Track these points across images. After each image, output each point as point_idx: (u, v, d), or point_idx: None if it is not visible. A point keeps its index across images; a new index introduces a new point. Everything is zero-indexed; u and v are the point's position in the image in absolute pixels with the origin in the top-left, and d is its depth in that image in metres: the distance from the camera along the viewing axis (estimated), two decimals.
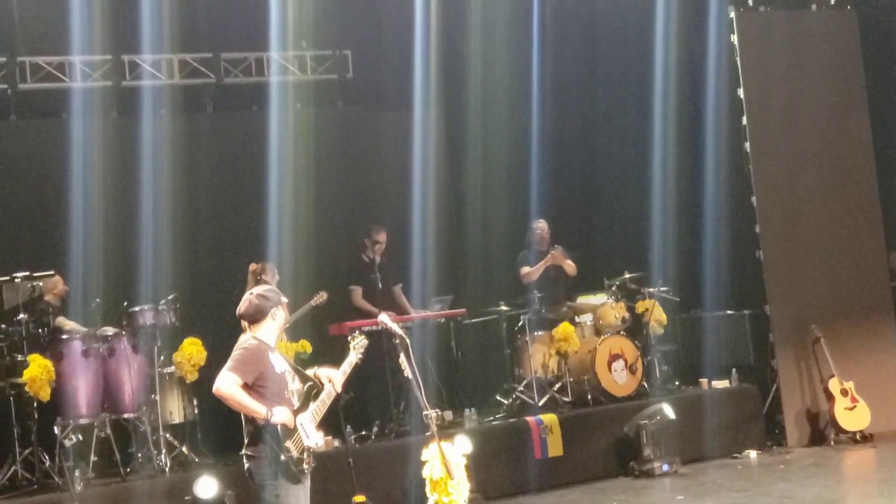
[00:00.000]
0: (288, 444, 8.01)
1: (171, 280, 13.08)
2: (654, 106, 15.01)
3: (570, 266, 14.37)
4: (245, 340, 8.24)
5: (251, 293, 8.37)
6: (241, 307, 8.32)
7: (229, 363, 8.12)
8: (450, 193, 15.53)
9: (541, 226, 14.54)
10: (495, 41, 15.35)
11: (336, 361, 8.76)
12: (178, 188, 13.95)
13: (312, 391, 8.33)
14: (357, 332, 9.08)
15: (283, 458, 8.01)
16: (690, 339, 14.97)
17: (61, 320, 12.24)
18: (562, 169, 15.67)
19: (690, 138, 14.88)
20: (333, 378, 8.50)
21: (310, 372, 8.58)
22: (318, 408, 8.33)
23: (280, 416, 8.00)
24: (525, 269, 14.33)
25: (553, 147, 15.52)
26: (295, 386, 8.30)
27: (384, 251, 13.88)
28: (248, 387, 8.04)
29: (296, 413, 8.14)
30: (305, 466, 8.10)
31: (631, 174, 15.70)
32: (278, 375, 8.19)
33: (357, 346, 8.75)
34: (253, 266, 12.83)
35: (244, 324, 8.33)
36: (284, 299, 8.50)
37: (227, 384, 8.01)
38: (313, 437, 8.18)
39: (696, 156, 14.81)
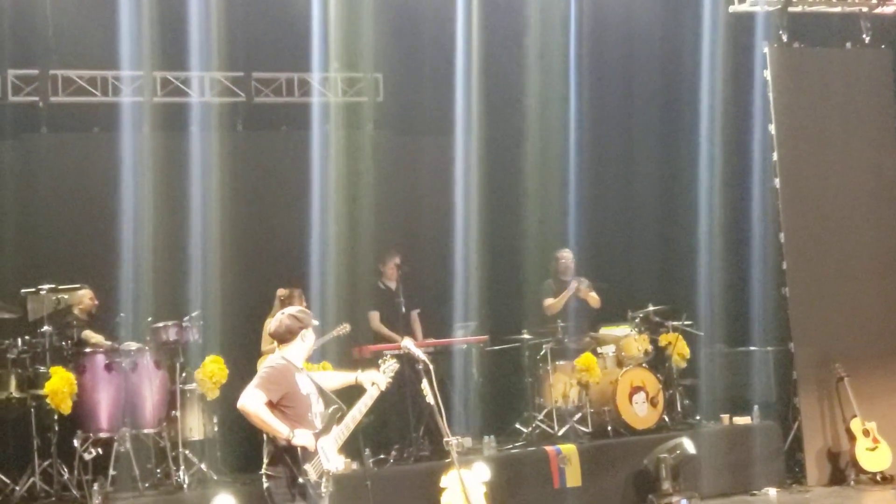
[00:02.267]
0: (307, 466, 8.02)
1: (196, 297, 13.13)
2: (691, 140, 15.05)
3: (594, 299, 14.35)
4: (273, 359, 8.29)
5: (283, 313, 8.45)
6: (272, 326, 8.41)
7: (256, 380, 8.17)
8: (480, 219, 15.47)
9: (564, 255, 14.53)
10: (531, 68, 15.35)
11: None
12: (206, 206, 13.96)
13: (336, 414, 8.36)
14: (388, 355, 9.11)
15: (301, 480, 8.02)
16: (713, 373, 14.87)
17: (87, 333, 12.25)
18: (597, 198, 15.65)
19: (723, 173, 14.88)
20: (377, 380, 8.64)
21: (353, 375, 8.76)
22: (342, 431, 8.35)
23: (301, 438, 8.02)
24: (548, 301, 14.32)
25: (589, 176, 15.52)
26: (319, 408, 8.32)
27: (401, 276, 13.88)
28: (272, 405, 8.08)
29: (318, 436, 8.15)
30: (323, 490, 8.12)
31: (662, 207, 15.73)
32: (303, 396, 8.22)
33: (387, 370, 8.80)
34: (281, 291, 12.81)
35: (264, 346, 8.37)
36: (315, 322, 8.55)
37: (253, 401, 8.05)
38: (333, 461, 8.20)
39: (727, 191, 14.82)
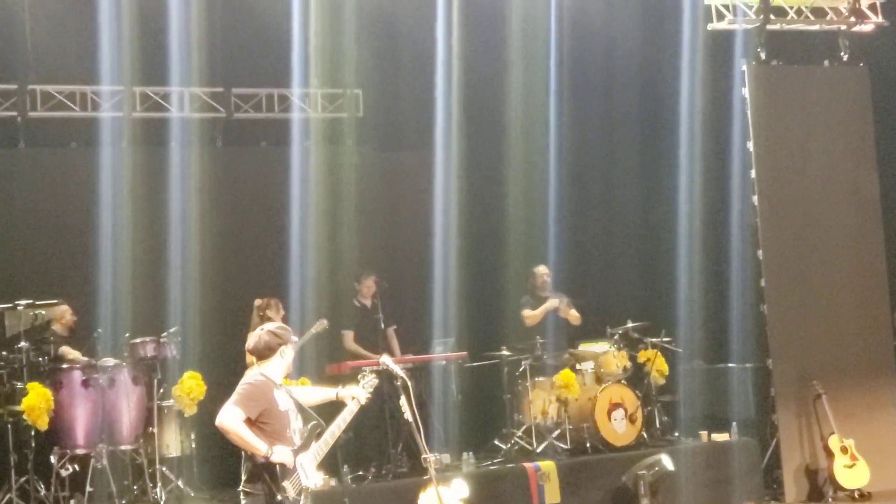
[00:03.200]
0: (285, 483, 8.00)
1: (174, 313, 13.10)
2: (671, 157, 15.10)
3: (574, 317, 14.38)
4: (251, 376, 8.27)
5: (262, 329, 8.41)
6: (251, 342, 8.36)
7: (234, 397, 8.14)
8: (459, 235, 15.46)
9: (541, 271, 14.55)
10: (511, 84, 15.37)
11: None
12: (185, 222, 13.94)
13: (315, 431, 8.34)
14: (369, 370, 9.12)
15: (279, 497, 7.99)
16: (692, 390, 14.90)
17: (65, 349, 12.22)
18: (577, 214, 15.70)
19: (703, 189, 14.93)
20: (357, 395, 8.67)
21: (333, 391, 8.79)
22: (321, 447, 8.33)
23: (280, 455, 7.99)
24: (527, 311, 14.33)
25: (569, 192, 15.54)
26: (297, 424, 8.30)
27: (378, 292, 13.87)
28: (251, 422, 8.05)
29: (296, 452, 8.13)
30: None
31: (641, 224, 15.76)
32: (282, 413, 8.19)
33: (366, 385, 8.79)
34: (258, 301, 12.83)
35: (248, 359, 8.34)
36: (294, 338, 8.54)
37: (231, 418, 8.02)
38: (312, 478, 8.18)
39: (706, 207, 14.86)
